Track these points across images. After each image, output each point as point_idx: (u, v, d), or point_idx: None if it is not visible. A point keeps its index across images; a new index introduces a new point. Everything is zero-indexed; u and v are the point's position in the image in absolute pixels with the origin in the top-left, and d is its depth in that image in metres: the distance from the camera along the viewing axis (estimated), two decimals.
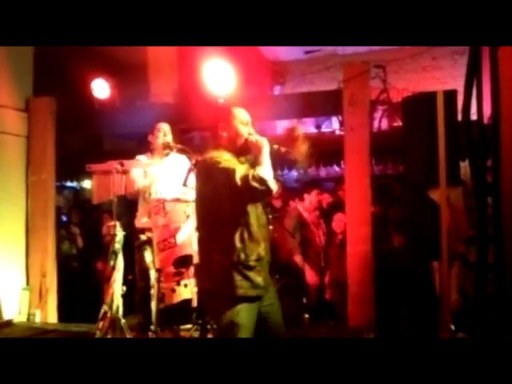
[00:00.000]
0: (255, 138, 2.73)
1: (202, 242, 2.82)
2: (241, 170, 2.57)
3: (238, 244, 2.62)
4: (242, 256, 2.62)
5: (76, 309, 4.05)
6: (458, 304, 3.48)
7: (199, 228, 2.83)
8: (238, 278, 2.61)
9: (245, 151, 2.75)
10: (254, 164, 2.64)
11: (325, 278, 5.51)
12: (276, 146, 2.77)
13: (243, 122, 2.77)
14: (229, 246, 2.62)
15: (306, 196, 5.68)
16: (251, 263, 2.64)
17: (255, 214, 2.72)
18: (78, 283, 5.12)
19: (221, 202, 2.64)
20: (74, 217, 6.46)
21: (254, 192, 2.55)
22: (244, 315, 2.60)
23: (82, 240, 6.24)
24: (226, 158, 2.66)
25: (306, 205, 5.63)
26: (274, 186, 2.60)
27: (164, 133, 4.38)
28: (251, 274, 2.64)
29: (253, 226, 2.67)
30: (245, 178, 2.53)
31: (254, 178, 2.52)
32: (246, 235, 2.64)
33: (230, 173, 2.56)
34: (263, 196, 2.65)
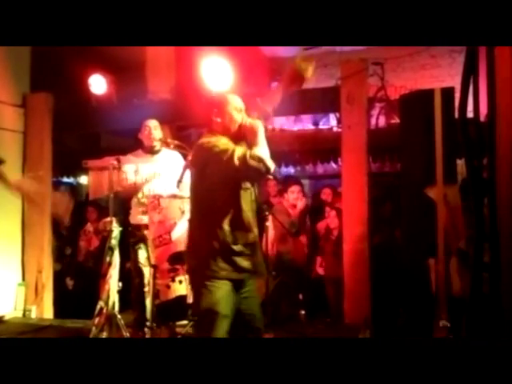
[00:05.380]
0: (249, 121, 2.77)
1: (192, 222, 2.87)
2: (239, 150, 2.61)
3: (226, 227, 2.66)
4: (229, 239, 2.66)
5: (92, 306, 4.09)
6: (461, 290, 3.48)
7: (192, 210, 2.87)
8: (220, 259, 2.65)
9: (239, 137, 2.78)
10: (250, 146, 2.67)
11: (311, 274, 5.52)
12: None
13: (237, 108, 2.81)
14: (217, 228, 2.66)
15: (286, 194, 5.57)
16: (238, 247, 2.68)
17: (249, 200, 2.76)
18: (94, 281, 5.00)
19: (216, 185, 2.68)
20: (89, 215, 6.30)
21: (252, 171, 2.60)
22: (223, 305, 2.62)
23: (97, 238, 6.08)
24: (223, 142, 2.70)
25: (289, 201, 5.52)
26: (271, 164, 2.64)
27: (149, 130, 4.34)
28: (236, 258, 2.67)
29: (245, 211, 2.72)
30: (243, 158, 2.57)
31: (251, 156, 2.57)
32: (236, 220, 2.69)
33: (228, 154, 2.60)
34: (261, 174, 2.69)
